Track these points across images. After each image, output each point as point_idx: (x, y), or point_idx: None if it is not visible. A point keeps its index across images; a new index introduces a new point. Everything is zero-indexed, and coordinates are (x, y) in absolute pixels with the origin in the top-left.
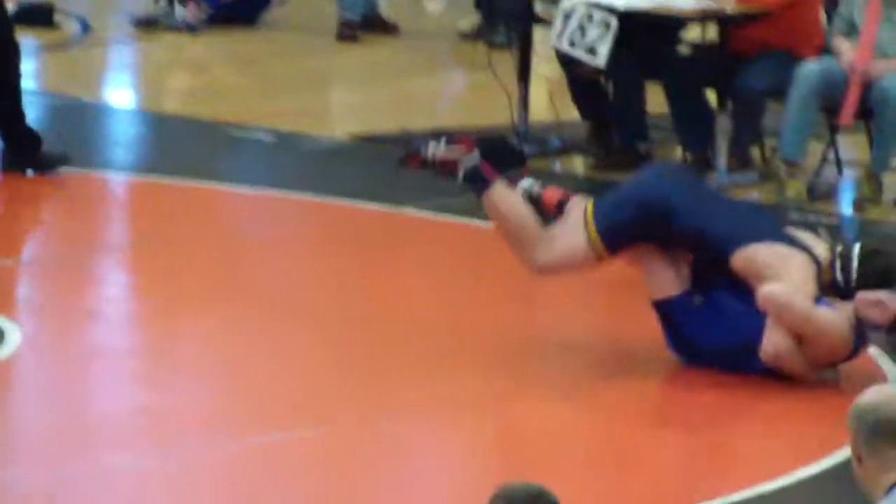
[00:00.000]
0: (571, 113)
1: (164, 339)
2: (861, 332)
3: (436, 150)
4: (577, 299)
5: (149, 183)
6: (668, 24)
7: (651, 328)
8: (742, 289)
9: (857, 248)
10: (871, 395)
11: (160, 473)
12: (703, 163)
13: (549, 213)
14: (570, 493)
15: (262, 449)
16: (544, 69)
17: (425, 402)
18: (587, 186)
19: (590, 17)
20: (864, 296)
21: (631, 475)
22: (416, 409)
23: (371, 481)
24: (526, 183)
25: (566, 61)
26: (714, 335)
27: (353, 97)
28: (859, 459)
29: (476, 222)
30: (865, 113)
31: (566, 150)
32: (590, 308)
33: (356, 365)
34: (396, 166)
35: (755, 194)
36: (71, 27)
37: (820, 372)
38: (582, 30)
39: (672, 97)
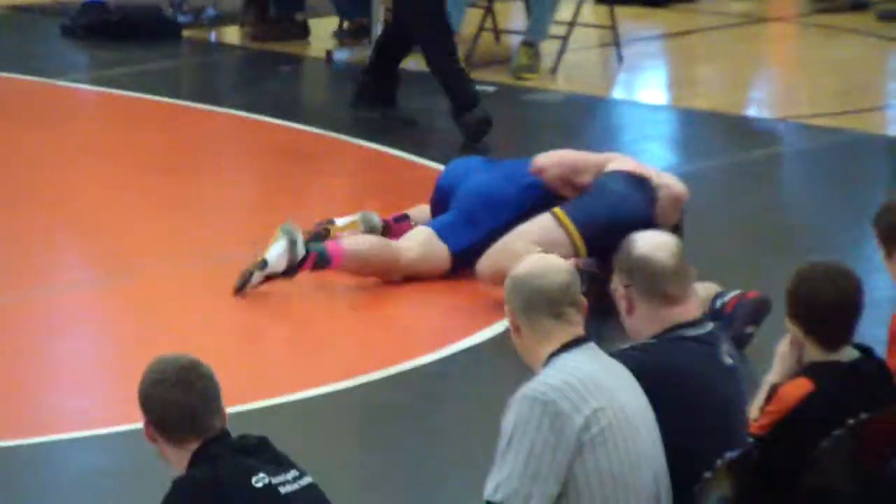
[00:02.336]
0: None
1: None
2: None
3: None
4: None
5: None
6: None
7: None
8: None
9: None
10: (526, 266)
11: None
12: (361, 30)
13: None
14: (226, 364)
15: None
16: None
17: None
18: (244, 55)
19: None
20: None
21: (301, 347)
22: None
23: None
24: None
25: None
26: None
27: None
28: (517, 329)
29: (130, 93)
30: None
31: (221, 20)
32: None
33: None
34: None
35: (412, 63)
36: None
37: None
38: None
39: None
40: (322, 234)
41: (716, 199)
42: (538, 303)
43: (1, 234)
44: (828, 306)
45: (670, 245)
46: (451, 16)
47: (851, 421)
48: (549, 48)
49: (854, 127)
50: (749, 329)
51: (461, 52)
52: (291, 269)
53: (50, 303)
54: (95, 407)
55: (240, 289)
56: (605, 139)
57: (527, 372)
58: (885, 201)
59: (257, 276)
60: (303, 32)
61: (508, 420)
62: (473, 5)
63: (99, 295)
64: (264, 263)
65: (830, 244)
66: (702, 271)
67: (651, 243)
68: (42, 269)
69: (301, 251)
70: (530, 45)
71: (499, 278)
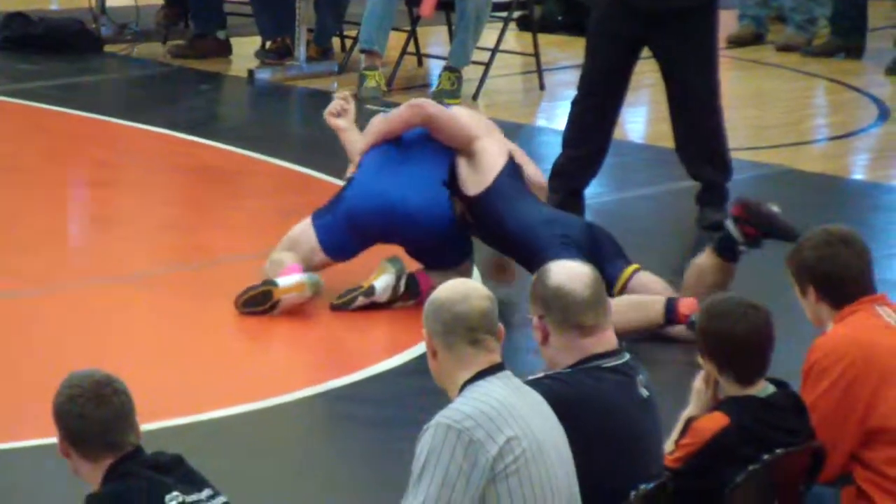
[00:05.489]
0: None
1: None
2: None
3: None
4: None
5: None
6: None
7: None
8: None
9: None
10: (446, 291)
11: None
12: (283, 51)
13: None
14: (143, 381)
15: None
16: None
17: None
18: (165, 72)
19: None
20: None
21: (218, 368)
22: None
23: None
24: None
25: None
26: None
27: None
28: (434, 354)
29: (49, 107)
30: (447, 5)
31: (144, 35)
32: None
33: None
34: None
35: (334, 84)
36: None
37: None
38: None
39: None
40: (265, 293)
41: (631, 229)
42: (457, 328)
43: None
44: (741, 341)
45: (586, 275)
46: (375, 38)
47: (767, 456)
48: (471, 74)
49: (774, 161)
50: None
51: (384, 76)
52: (391, 301)
53: None
54: (10, 421)
55: (339, 307)
56: None
57: (441, 398)
58: (799, 239)
59: (360, 301)
60: (225, 50)
61: (422, 446)
62: (397, 29)
63: (14, 310)
64: (371, 290)
65: (747, 278)
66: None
67: (566, 274)
68: None
69: (402, 287)
70: (453, 70)
71: None
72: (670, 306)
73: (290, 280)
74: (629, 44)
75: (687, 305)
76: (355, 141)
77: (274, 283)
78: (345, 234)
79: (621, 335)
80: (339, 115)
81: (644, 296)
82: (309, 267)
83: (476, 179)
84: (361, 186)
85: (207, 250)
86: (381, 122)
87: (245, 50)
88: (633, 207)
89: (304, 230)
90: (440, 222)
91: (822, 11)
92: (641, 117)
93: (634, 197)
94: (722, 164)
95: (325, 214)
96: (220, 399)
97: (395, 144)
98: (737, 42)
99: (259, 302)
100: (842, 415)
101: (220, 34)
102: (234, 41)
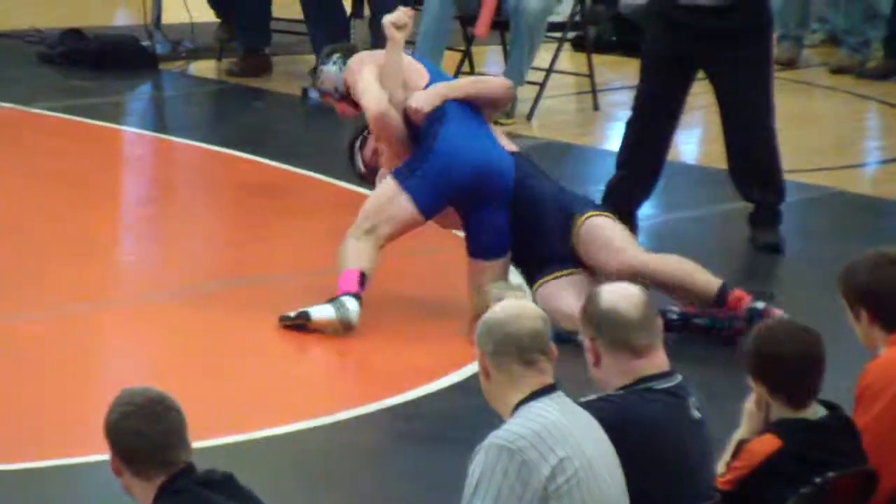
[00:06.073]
0: (206, 14)
1: None
2: None
3: None
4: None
5: None
6: None
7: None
8: None
9: None
10: (498, 311)
11: None
12: None
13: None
14: (194, 398)
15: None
16: None
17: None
18: (219, 89)
19: None
20: None
21: (270, 385)
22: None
23: None
24: None
25: None
26: None
27: None
28: (487, 374)
29: (102, 123)
30: (501, 25)
31: (198, 52)
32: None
33: None
34: None
35: None
36: None
37: None
38: None
39: (305, 1)
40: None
41: (683, 250)
42: (509, 349)
43: None
44: (792, 364)
45: (636, 296)
46: (429, 59)
47: (818, 479)
48: (525, 94)
49: (825, 184)
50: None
51: None
52: None
53: (21, 331)
54: (66, 437)
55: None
56: (579, 186)
57: (495, 417)
58: (850, 261)
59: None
60: (268, 67)
61: (475, 466)
62: (451, 48)
63: (65, 325)
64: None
65: (798, 301)
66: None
67: (617, 295)
68: (10, 297)
69: None
70: None
71: None
72: (723, 291)
73: (321, 315)
74: (683, 65)
75: (736, 298)
76: (399, 63)
77: (307, 317)
78: (438, 193)
79: (675, 288)
80: (399, 29)
81: (695, 275)
82: (400, 234)
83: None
84: (457, 139)
85: (259, 267)
86: (471, 85)
87: (296, 68)
88: (686, 229)
89: (392, 197)
90: (511, 190)
91: (875, 34)
92: (695, 138)
93: (687, 218)
94: (775, 185)
95: (411, 175)
96: (271, 417)
97: (464, 103)
98: (777, 62)
99: (296, 329)
100: (894, 438)
101: (265, 50)
102: (286, 59)
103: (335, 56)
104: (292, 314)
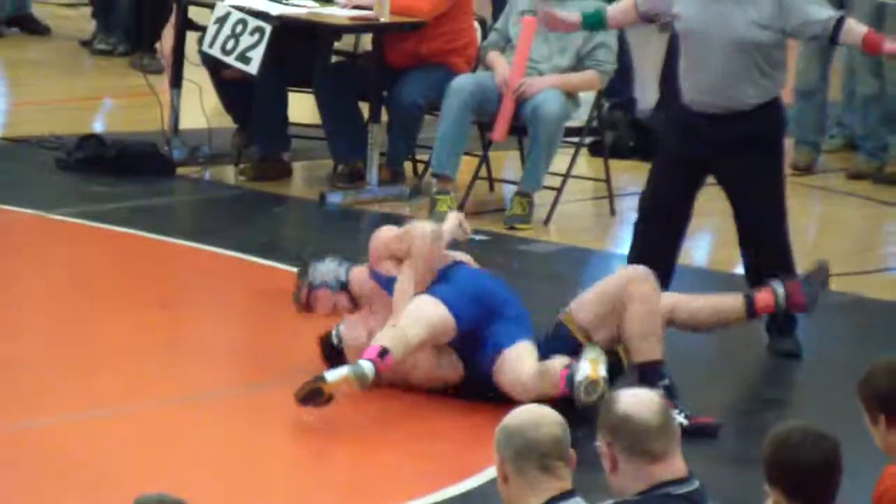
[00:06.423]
0: (223, 121)
1: None
2: None
3: None
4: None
5: None
6: (323, 33)
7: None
8: None
9: None
10: (518, 417)
11: None
12: (355, 174)
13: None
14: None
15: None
16: (196, 75)
17: None
18: (237, 194)
19: (244, 24)
20: None
21: (287, 494)
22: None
23: None
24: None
25: (211, 63)
26: None
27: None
28: (505, 479)
29: (120, 229)
30: (519, 130)
31: (216, 158)
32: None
33: None
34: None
35: (406, 209)
36: None
37: None
38: (235, 37)
39: (323, 106)
40: (315, 390)
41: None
42: (529, 454)
43: None
44: (809, 470)
45: (653, 402)
46: (447, 163)
47: None
48: (542, 199)
49: (844, 289)
50: None
51: (456, 200)
52: None
53: (41, 436)
54: None
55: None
56: None
57: None
58: (869, 367)
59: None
60: (287, 173)
61: None
62: (469, 153)
63: (83, 430)
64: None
65: (815, 406)
66: None
67: (633, 400)
68: (31, 402)
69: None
70: (524, 195)
71: None
72: (749, 302)
73: (336, 375)
74: (695, 169)
75: (763, 300)
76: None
77: (323, 379)
78: (470, 306)
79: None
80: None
81: (720, 298)
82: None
83: None
84: (468, 271)
85: (275, 372)
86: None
87: (313, 174)
88: (699, 337)
89: (432, 307)
90: None
91: (894, 139)
92: (706, 242)
93: None
94: None
95: (445, 289)
96: None
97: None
98: (793, 168)
99: (313, 397)
100: None
101: (284, 156)
102: (305, 164)
103: (326, 258)
104: (310, 380)
